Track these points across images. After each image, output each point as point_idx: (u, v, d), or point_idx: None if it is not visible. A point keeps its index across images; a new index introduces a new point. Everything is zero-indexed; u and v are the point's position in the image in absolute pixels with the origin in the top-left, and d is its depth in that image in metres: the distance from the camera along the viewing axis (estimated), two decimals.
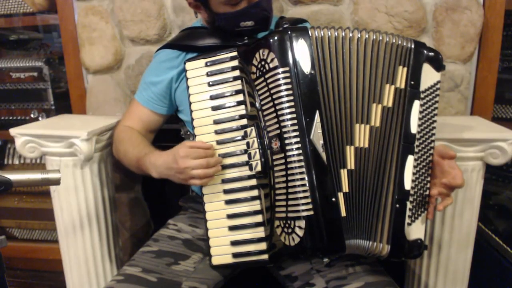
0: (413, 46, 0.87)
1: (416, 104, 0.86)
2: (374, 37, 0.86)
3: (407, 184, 0.84)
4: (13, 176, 0.70)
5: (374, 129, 0.85)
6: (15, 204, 1.90)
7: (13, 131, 1.22)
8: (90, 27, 1.44)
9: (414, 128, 0.85)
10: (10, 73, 1.70)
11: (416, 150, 0.86)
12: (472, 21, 1.26)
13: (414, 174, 0.85)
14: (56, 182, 0.74)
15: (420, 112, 0.86)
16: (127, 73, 1.45)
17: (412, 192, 0.85)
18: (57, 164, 1.23)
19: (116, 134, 1.13)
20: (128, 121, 1.14)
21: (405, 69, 0.86)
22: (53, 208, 1.28)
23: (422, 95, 0.87)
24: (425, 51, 0.88)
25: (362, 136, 0.85)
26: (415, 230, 0.84)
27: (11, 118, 1.77)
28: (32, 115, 1.74)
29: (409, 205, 0.84)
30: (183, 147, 0.87)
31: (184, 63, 0.95)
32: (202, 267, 0.96)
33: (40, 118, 1.73)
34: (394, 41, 0.86)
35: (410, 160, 0.85)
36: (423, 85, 0.87)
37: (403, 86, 0.86)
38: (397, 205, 0.83)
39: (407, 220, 0.84)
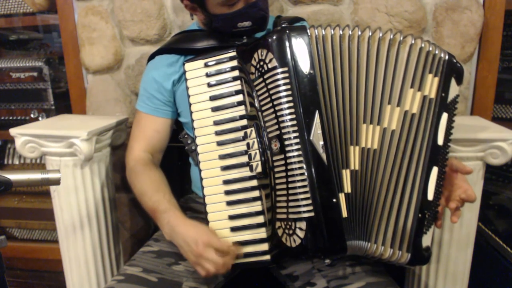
0: (447, 58, 0.85)
1: (445, 117, 0.84)
2: (392, 37, 0.84)
3: (430, 195, 0.83)
4: (13, 176, 0.70)
5: (388, 131, 0.83)
6: (15, 204, 1.91)
7: (13, 131, 1.22)
8: (90, 27, 1.43)
9: (441, 140, 0.84)
10: (10, 73, 1.71)
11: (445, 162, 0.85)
12: (472, 21, 1.26)
13: (436, 182, 0.84)
14: (56, 182, 0.74)
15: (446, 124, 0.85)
16: (127, 73, 1.45)
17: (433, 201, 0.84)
18: (57, 164, 1.23)
19: (133, 163, 1.04)
20: (141, 140, 1.07)
21: (436, 79, 0.84)
22: (53, 208, 1.28)
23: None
24: (457, 64, 0.86)
25: (370, 136, 0.83)
26: (427, 239, 0.84)
27: (11, 118, 1.77)
28: (32, 115, 1.74)
29: (426, 215, 0.83)
30: (209, 233, 0.85)
31: (183, 64, 0.94)
32: None
33: (40, 118, 1.73)
34: (423, 45, 0.84)
35: (435, 171, 0.83)
36: (449, 98, 0.86)
37: (433, 95, 0.84)
38: (420, 215, 0.82)
39: (423, 229, 0.83)
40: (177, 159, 1.42)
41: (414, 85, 0.84)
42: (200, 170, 0.91)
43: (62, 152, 1.22)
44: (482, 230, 1.44)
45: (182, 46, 1.05)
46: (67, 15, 1.47)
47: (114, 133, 1.34)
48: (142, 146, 1.07)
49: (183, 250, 0.87)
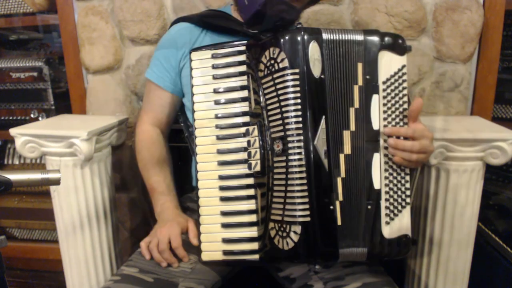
0: (361, 38, 0.82)
1: (375, 99, 0.82)
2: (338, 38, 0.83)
3: (376, 183, 0.82)
4: (13, 176, 0.70)
5: (353, 134, 0.83)
6: (15, 204, 1.90)
7: (13, 131, 1.22)
8: (90, 27, 1.44)
9: (376, 124, 0.82)
10: (10, 73, 1.70)
11: (385, 145, 0.83)
12: (472, 21, 1.26)
13: (386, 170, 0.83)
14: (56, 182, 0.73)
15: (384, 105, 0.83)
16: (127, 73, 1.45)
17: (387, 189, 0.83)
18: (57, 164, 1.23)
19: (141, 136, 1.10)
20: (149, 112, 1.10)
21: (361, 64, 0.83)
22: (53, 208, 1.28)
23: (384, 86, 0.83)
24: (378, 40, 0.83)
25: (347, 142, 0.82)
26: (398, 227, 0.82)
27: (11, 118, 1.77)
28: (32, 115, 1.74)
29: (385, 204, 0.82)
30: (177, 236, 0.92)
31: (190, 52, 0.92)
32: (199, 268, 0.95)
33: (40, 118, 1.73)
34: (346, 38, 0.82)
35: (377, 158, 0.82)
36: (385, 75, 0.83)
37: (361, 83, 0.83)
38: (368, 206, 0.82)
39: (385, 219, 0.82)
40: (177, 159, 1.42)
41: (354, 80, 0.83)
42: (196, 162, 0.90)
43: (62, 152, 1.22)
44: (482, 230, 1.43)
45: (205, 20, 1.05)
46: (67, 15, 1.47)
47: (114, 133, 1.34)
48: (150, 118, 1.10)
49: (153, 232, 0.95)
